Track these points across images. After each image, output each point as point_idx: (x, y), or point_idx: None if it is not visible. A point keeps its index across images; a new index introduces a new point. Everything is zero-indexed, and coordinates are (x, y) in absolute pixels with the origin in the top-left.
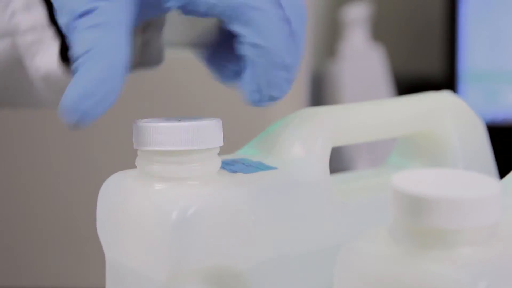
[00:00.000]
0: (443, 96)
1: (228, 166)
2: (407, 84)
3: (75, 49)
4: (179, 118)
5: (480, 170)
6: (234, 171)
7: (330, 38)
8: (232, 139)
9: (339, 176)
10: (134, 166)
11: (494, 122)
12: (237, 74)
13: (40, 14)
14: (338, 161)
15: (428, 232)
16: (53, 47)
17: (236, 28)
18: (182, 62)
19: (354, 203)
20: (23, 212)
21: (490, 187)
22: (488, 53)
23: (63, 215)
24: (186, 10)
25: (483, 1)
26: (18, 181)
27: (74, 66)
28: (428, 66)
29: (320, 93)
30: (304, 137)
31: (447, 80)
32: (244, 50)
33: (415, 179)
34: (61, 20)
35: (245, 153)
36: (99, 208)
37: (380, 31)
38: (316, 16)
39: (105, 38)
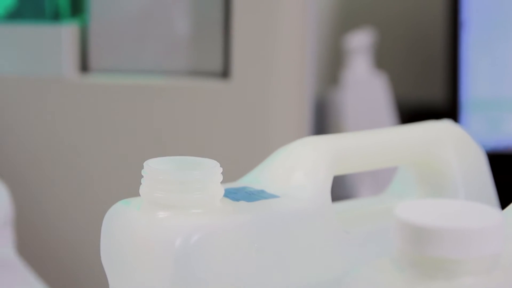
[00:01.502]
0: (444, 125)
1: (231, 194)
2: (410, 112)
3: None
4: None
5: (481, 199)
6: (237, 199)
7: (333, 65)
8: (235, 167)
9: (341, 204)
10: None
11: (496, 150)
12: None
13: None
14: (340, 188)
15: (431, 262)
16: None
17: None
18: (185, 92)
19: (357, 232)
20: (28, 239)
21: (492, 217)
22: (490, 81)
23: (67, 243)
24: None
25: (485, 30)
26: (23, 207)
27: None
28: (431, 94)
29: (322, 121)
30: (307, 165)
31: (449, 108)
32: None
33: (418, 209)
34: None
35: (247, 181)
36: (103, 236)
37: (382, 59)
38: (319, 44)
39: None
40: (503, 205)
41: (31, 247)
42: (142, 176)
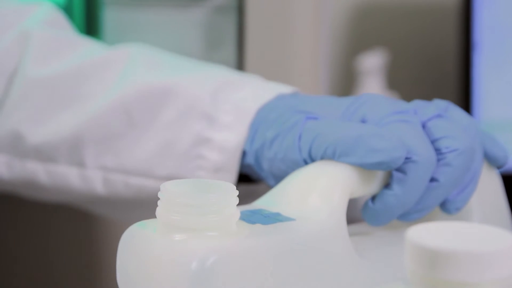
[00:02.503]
0: None
1: (247, 217)
2: None
3: None
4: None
5: (496, 222)
6: (253, 222)
7: (346, 86)
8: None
9: (356, 227)
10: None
11: (510, 172)
12: None
13: None
14: (354, 210)
15: (444, 285)
16: None
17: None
18: None
19: (371, 255)
20: (44, 264)
21: (506, 240)
22: (502, 103)
23: (84, 265)
24: None
25: (497, 51)
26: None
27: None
28: None
29: None
30: (322, 188)
31: None
32: None
33: (431, 232)
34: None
35: (263, 203)
36: (119, 258)
37: (395, 80)
38: (332, 65)
39: None
40: None
41: (48, 272)
42: (159, 199)
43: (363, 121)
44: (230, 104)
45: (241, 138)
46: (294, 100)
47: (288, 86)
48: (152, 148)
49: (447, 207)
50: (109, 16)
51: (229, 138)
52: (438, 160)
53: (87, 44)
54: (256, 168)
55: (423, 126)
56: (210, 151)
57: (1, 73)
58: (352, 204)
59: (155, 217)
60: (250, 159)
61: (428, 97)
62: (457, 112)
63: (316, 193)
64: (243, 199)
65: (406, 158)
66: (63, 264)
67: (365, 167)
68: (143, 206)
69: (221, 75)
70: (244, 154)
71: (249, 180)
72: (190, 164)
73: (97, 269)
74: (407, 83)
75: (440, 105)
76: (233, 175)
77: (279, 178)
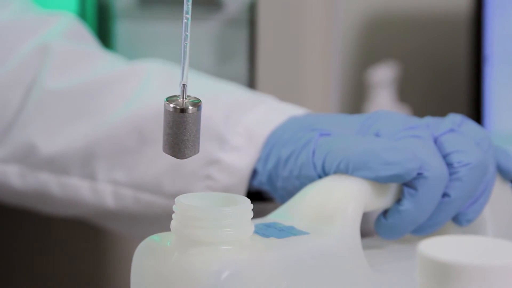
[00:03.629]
0: None
1: (261, 230)
2: None
3: None
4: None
5: (510, 235)
6: (267, 236)
7: (357, 99)
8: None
9: (370, 241)
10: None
11: None
12: None
13: None
14: (367, 223)
15: None
16: None
17: None
18: None
19: (384, 269)
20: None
21: None
22: None
23: (96, 274)
24: None
25: (509, 64)
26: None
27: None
28: None
29: None
30: (336, 202)
31: None
32: None
33: (442, 246)
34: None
35: (277, 217)
36: (133, 270)
37: (406, 92)
38: (343, 77)
39: None
40: None
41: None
42: (168, 215)
43: (377, 136)
44: (242, 126)
45: (251, 161)
46: (308, 120)
47: (300, 108)
48: (162, 165)
49: (458, 219)
50: (121, 29)
51: (239, 161)
52: (450, 174)
53: (105, 57)
54: (269, 188)
55: (436, 141)
56: (219, 172)
57: (19, 84)
58: (365, 217)
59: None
60: (262, 178)
61: (439, 109)
62: (470, 126)
63: (330, 207)
64: (255, 217)
65: (418, 174)
66: (70, 277)
67: (379, 181)
68: (152, 222)
69: (234, 95)
70: (255, 173)
71: (260, 198)
72: (199, 183)
73: (103, 283)
74: (418, 95)
75: (454, 119)
76: None
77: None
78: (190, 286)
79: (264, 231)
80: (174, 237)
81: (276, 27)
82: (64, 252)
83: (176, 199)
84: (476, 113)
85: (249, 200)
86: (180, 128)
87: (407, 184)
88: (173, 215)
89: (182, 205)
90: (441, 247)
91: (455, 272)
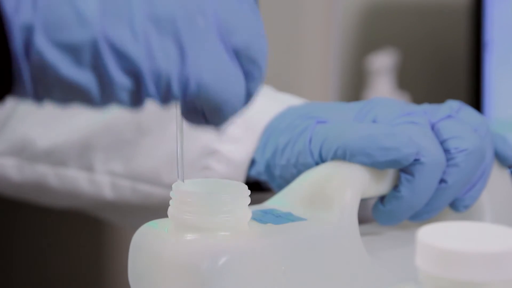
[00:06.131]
0: None
1: (259, 217)
2: None
3: None
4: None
5: (508, 221)
6: (264, 222)
7: (356, 86)
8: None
9: (367, 227)
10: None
11: None
12: None
13: None
14: (365, 210)
15: (456, 285)
16: None
17: None
18: None
19: (382, 255)
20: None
21: None
22: None
23: (94, 264)
24: None
25: (509, 50)
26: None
27: None
28: None
29: None
30: (333, 188)
31: None
32: None
33: (442, 232)
34: None
35: (274, 203)
36: (130, 257)
37: (405, 79)
38: (342, 65)
39: None
40: None
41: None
42: (171, 198)
43: (374, 122)
44: (240, 117)
45: (249, 151)
46: (305, 108)
47: (297, 98)
48: (160, 156)
49: (456, 205)
50: None
51: (237, 151)
52: (447, 160)
53: None
54: (267, 177)
55: (433, 127)
56: (217, 162)
57: None
58: (363, 204)
59: None
60: (260, 168)
61: (438, 96)
62: (468, 112)
63: (328, 193)
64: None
65: (415, 160)
66: (68, 268)
67: (377, 166)
68: (150, 212)
69: None
70: (253, 163)
71: (258, 189)
72: (197, 174)
73: (102, 273)
74: (418, 82)
75: (452, 106)
76: None
77: None
78: (187, 272)
79: (261, 218)
80: (171, 224)
81: (275, 15)
82: (62, 243)
83: (173, 185)
84: (475, 100)
85: (246, 186)
86: None
87: (404, 170)
88: (170, 202)
89: (179, 191)
90: (440, 233)
91: (455, 258)
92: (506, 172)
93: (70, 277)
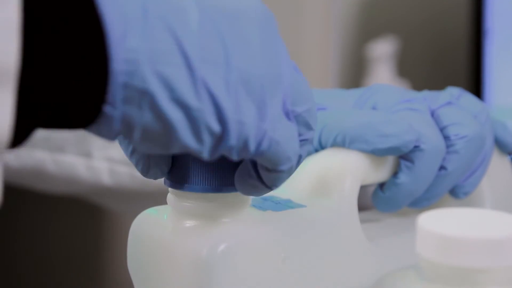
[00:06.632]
0: None
1: (258, 203)
2: None
3: None
4: None
5: (508, 208)
6: (264, 209)
7: (356, 74)
8: None
9: (367, 214)
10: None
11: None
12: None
13: None
14: (364, 197)
15: (456, 272)
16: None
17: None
18: None
19: (382, 242)
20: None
21: None
22: None
23: (92, 250)
24: None
25: (509, 37)
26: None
27: None
28: None
29: None
30: (333, 175)
31: None
32: None
33: (442, 219)
34: None
35: (274, 190)
36: (130, 243)
37: (405, 67)
38: (342, 52)
39: None
40: None
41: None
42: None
43: (373, 109)
44: None
45: None
46: None
47: None
48: None
49: (455, 192)
50: None
51: None
52: (447, 147)
53: None
54: None
55: (433, 114)
56: None
57: None
58: (362, 191)
59: None
60: None
61: (438, 83)
62: (468, 99)
63: (327, 180)
64: None
65: (414, 147)
66: (66, 255)
67: (376, 153)
68: (149, 199)
69: None
70: None
71: None
72: None
73: (101, 260)
74: (418, 70)
75: (452, 92)
76: None
77: None
78: (187, 259)
79: (261, 204)
80: (170, 210)
81: (275, 2)
82: (61, 229)
83: None
84: (476, 87)
85: None
86: None
87: (404, 157)
88: (169, 188)
89: None
90: (440, 219)
91: (455, 244)
92: (506, 158)
93: (69, 264)
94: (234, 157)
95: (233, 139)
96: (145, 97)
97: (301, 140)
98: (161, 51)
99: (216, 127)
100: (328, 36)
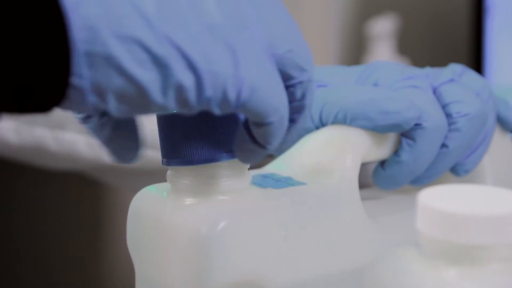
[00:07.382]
0: None
1: (258, 181)
2: None
3: None
4: None
5: (509, 185)
6: (264, 186)
7: (356, 52)
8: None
9: (368, 191)
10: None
11: None
12: None
13: None
14: (365, 175)
15: (456, 248)
16: None
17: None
18: None
19: (382, 219)
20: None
21: None
22: None
23: (93, 227)
24: None
25: (510, 15)
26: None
27: None
28: None
29: None
30: (334, 152)
31: None
32: None
33: (443, 195)
34: None
35: (274, 168)
36: (129, 221)
37: (406, 45)
38: (342, 29)
39: None
40: None
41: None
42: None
43: (375, 86)
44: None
45: None
46: None
47: None
48: None
49: (456, 170)
50: None
51: None
52: (449, 125)
53: None
54: None
55: (435, 91)
56: None
57: None
58: (363, 168)
59: None
60: None
61: (439, 61)
62: (471, 76)
63: (328, 157)
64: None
65: (416, 124)
66: (66, 231)
67: (378, 130)
68: (149, 176)
69: None
70: None
71: None
72: None
73: (100, 237)
74: (418, 48)
75: (455, 69)
76: None
77: None
78: (186, 237)
79: (261, 182)
80: (170, 188)
81: None
82: (61, 206)
83: None
84: (476, 64)
85: None
86: None
87: (405, 135)
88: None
89: None
90: (441, 196)
91: (456, 221)
92: (508, 136)
93: (69, 241)
94: (216, 111)
95: (209, 90)
96: (111, 62)
97: (296, 83)
98: (118, 14)
99: (189, 80)
100: (328, 13)
